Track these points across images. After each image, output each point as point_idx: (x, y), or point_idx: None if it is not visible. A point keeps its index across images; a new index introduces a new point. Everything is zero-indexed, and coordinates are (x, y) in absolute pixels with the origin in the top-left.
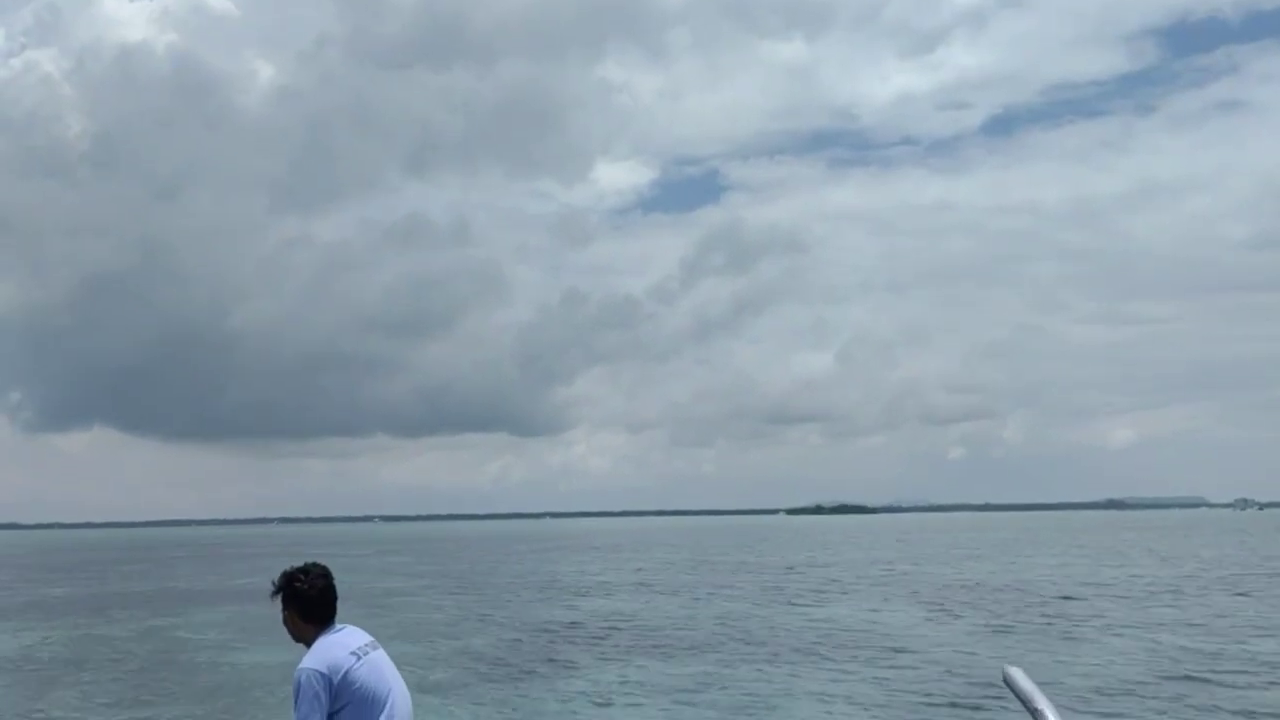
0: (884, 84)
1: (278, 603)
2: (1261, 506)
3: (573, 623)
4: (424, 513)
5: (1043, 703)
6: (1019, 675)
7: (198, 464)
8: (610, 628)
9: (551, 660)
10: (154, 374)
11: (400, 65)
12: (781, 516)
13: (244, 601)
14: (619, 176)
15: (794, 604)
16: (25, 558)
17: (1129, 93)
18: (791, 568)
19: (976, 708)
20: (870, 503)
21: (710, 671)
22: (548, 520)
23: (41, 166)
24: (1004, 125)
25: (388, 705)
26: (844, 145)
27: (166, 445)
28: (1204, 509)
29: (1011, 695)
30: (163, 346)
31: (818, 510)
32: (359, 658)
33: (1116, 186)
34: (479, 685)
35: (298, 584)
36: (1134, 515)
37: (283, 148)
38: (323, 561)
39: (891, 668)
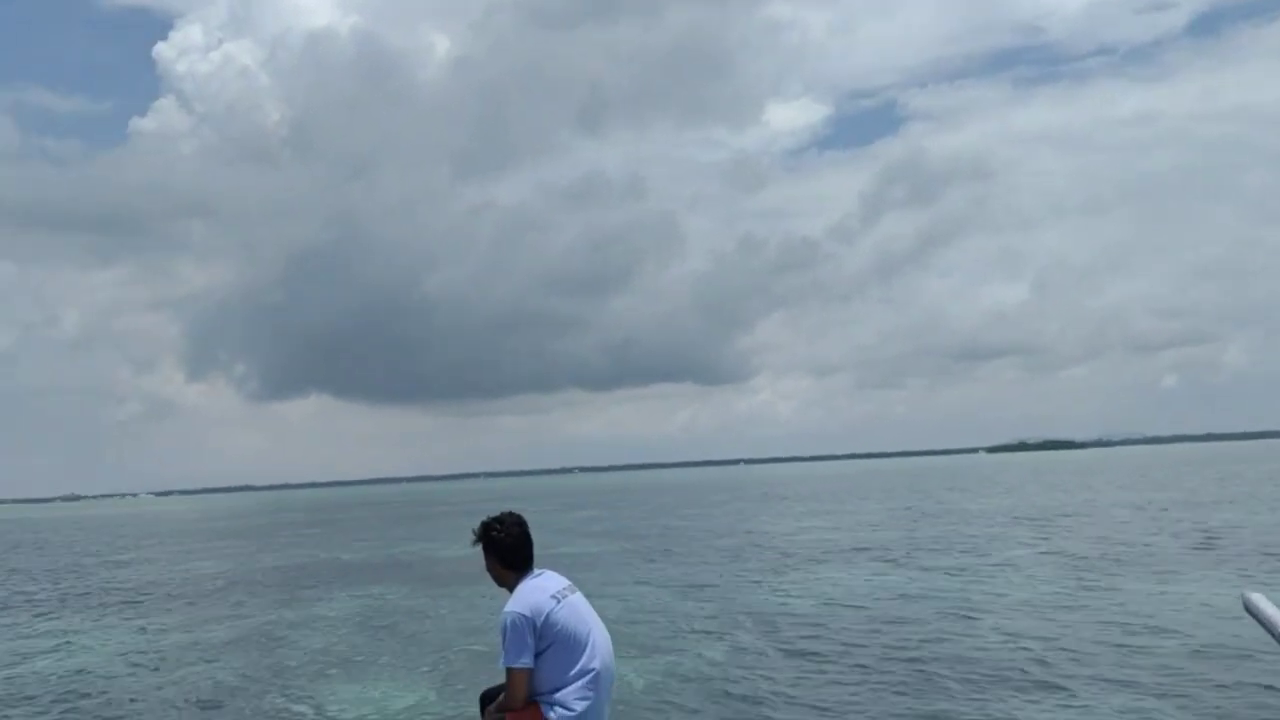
0: None
1: (479, 551)
2: None
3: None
4: (619, 463)
5: None
6: (1262, 601)
7: (404, 424)
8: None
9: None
10: (359, 342)
11: (568, 24)
12: (981, 455)
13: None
14: (791, 116)
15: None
16: (283, 515)
17: None
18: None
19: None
20: (1078, 437)
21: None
22: (741, 466)
23: (245, 154)
24: (1211, 23)
25: (589, 645)
26: (1030, 62)
27: (375, 408)
28: None
29: (1253, 620)
30: (365, 316)
31: (1021, 447)
32: (559, 600)
33: None
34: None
35: (494, 532)
36: None
37: (461, 117)
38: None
39: None
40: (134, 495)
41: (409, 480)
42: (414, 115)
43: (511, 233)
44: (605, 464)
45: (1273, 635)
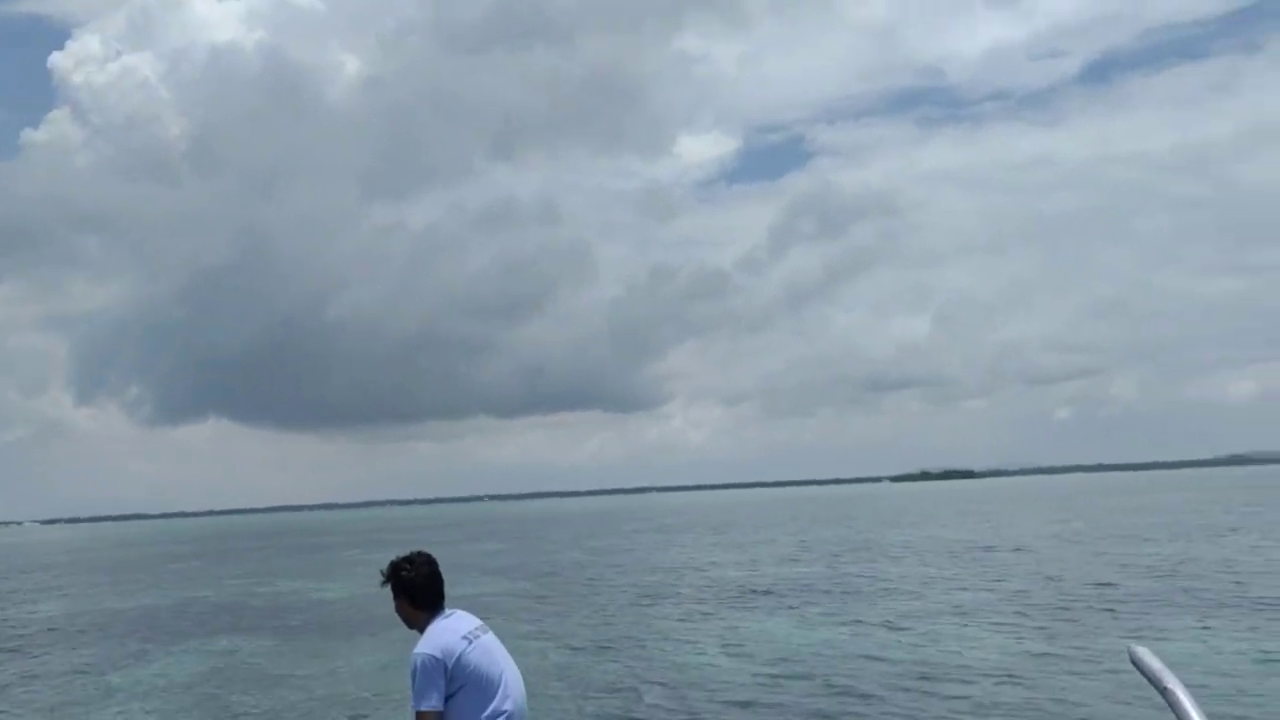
0: (972, 37)
1: (388, 592)
2: None
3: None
4: (529, 490)
5: (1172, 681)
6: (1145, 654)
7: (309, 450)
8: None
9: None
10: (262, 365)
11: (480, 49)
12: (886, 484)
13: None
14: (702, 148)
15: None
16: (174, 546)
17: (1234, 31)
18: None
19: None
20: (976, 467)
21: None
22: (652, 495)
23: (144, 168)
24: (1102, 72)
25: (501, 687)
26: (933, 103)
27: (278, 434)
28: None
29: (1139, 674)
30: (269, 337)
31: (924, 476)
32: (470, 641)
33: (1226, 131)
34: None
35: (404, 572)
36: (1260, 470)
37: (371, 137)
38: (422, 549)
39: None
40: (18, 524)
41: (313, 508)
42: (322, 133)
43: (422, 255)
44: (516, 491)
45: (1156, 688)
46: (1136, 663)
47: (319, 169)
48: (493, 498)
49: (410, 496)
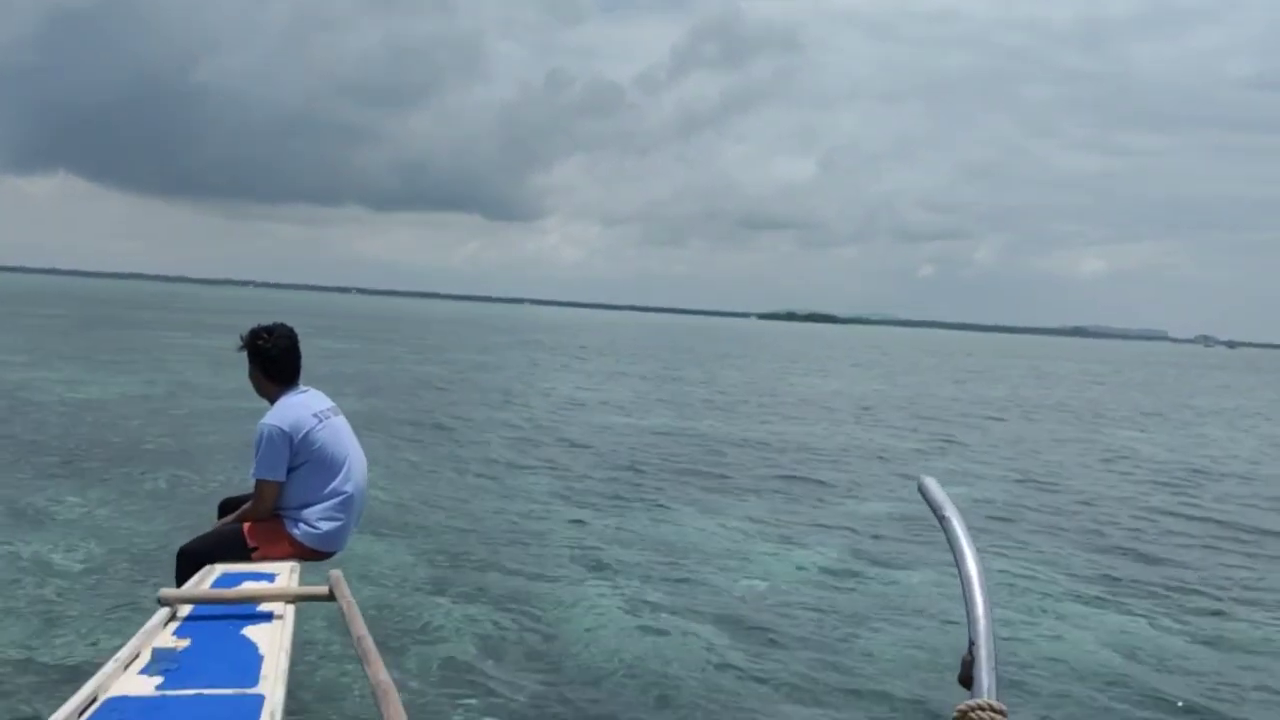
0: None
1: (244, 358)
2: (1232, 345)
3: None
4: (399, 289)
5: (950, 511)
6: (932, 485)
7: (165, 219)
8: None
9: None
10: (120, 122)
11: None
12: (753, 320)
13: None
14: None
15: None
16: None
17: None
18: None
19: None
20: (839, 313)
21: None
22: (527, 306)
23: None
24: None
25: (344, 468)
26: None
27: (133, 197)
28: (1165, 343)
29: (924, 503)
30: (129, 93)
31: (790, 317)
32: (320, 420)
33: (1126, 9)
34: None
35: (261, 342)
36: (1097, 344)
37: None
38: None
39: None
40: None
41: (166, 279)
42: None
43: (304, 27)
44: (385, 288)
45: (936, 515)
46: (922, 491)
47: None
48: (361, 291)
49: (273, 280)
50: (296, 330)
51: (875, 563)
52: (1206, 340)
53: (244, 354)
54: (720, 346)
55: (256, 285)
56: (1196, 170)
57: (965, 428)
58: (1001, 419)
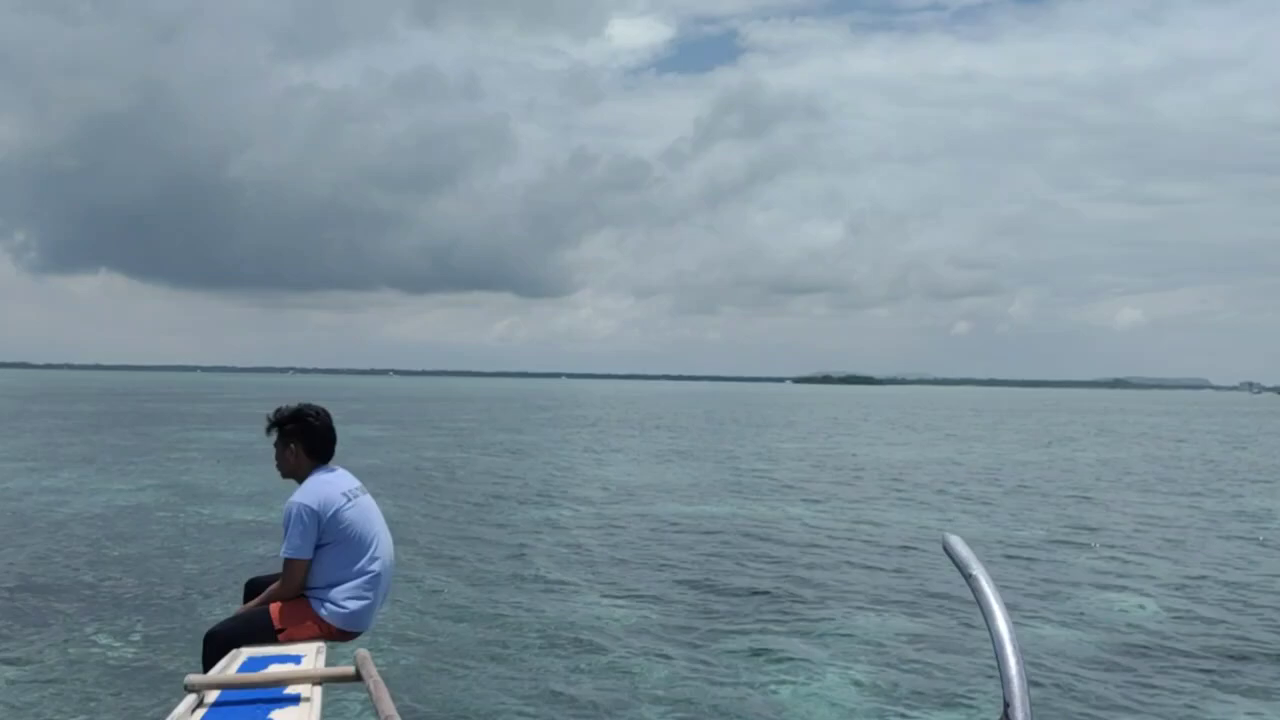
0: None
1: (273, 437)
2: (1278, 391)
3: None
4: (433, 368)
5: (977, 569)
6: (957, 542)
7: (203, 311)
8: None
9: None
10: (158, 220)
11: None
12: (788, 385)
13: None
14: (635, 34)
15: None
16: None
17: None
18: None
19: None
20: (876, 374)
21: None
22: (563, 380)
23: (40, 3)
24: None
25: (372, 548)
26: (868, 8)
27: (172, 292)
28: (1208, 391)
29: (949, 561)
30: (166, 192)
31: (825, 380)
32: (349, 499)
33: (1147, 61)
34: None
35: (310, 419)
36: (1140, 395)
37: None
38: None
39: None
40: None
41: (208, 370)
42: None
43: (333, 119)
44: (421, 368)
45: (963, 574)
46: (948, 550)
47: (230, 19)
48: (398, 372)
49: (312, 365)
50: (333, 415)
51: None
52: (1252, 387)
53: (273, 436)
54: (764, 413)
55: (296, 371)
56: (1229, 216)
57: (1105, 507)
58: (1122, 486)
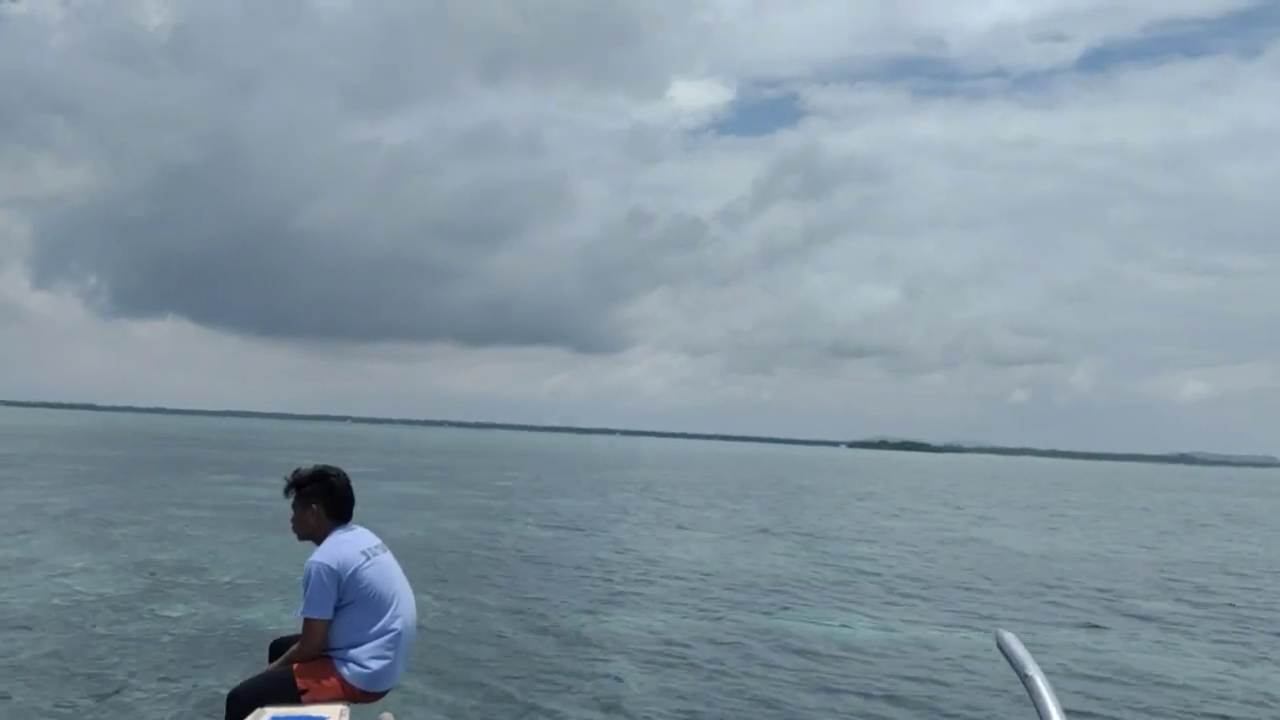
0: (980, 10)
1: (291, 498)
2: None
3: None
4: (487, 420)
5: (1034, 669)
6: (1012, 640)
7: (265, 358)
8: None
9: None
10: (224, 268)
11: None
12: (842, 449)
13: None
14: (695, 95)
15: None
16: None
17: (1235, 32)
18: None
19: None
20: (933, 441)
21: None
22: (617, 437)
23: (120, 55)
24: (1101, 60)
25: (393, 606)
26: (929, 74)
27: (236, 338)
28: (1277, 469)
29: (1004, 659)
30: (233, 241)
31: (881, 445)
32: (368, 558)
33: (1212, 131)
34: None
35: (332, 478)
36: (1207, 471)
37: (358, 49)
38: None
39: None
40: None
41: (266, 416)
42: (308, 41)
43: (396, 173)
44: (476, 420)
45: (1019, 675)
46: (1002, 648)
47: (301, 76)
48: (453, 424)
49: (368, 415)
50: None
51: None
52: None
53: (290, 498)
54: (832, 480)
55: (353, 420)
56: None
57: None
58: None
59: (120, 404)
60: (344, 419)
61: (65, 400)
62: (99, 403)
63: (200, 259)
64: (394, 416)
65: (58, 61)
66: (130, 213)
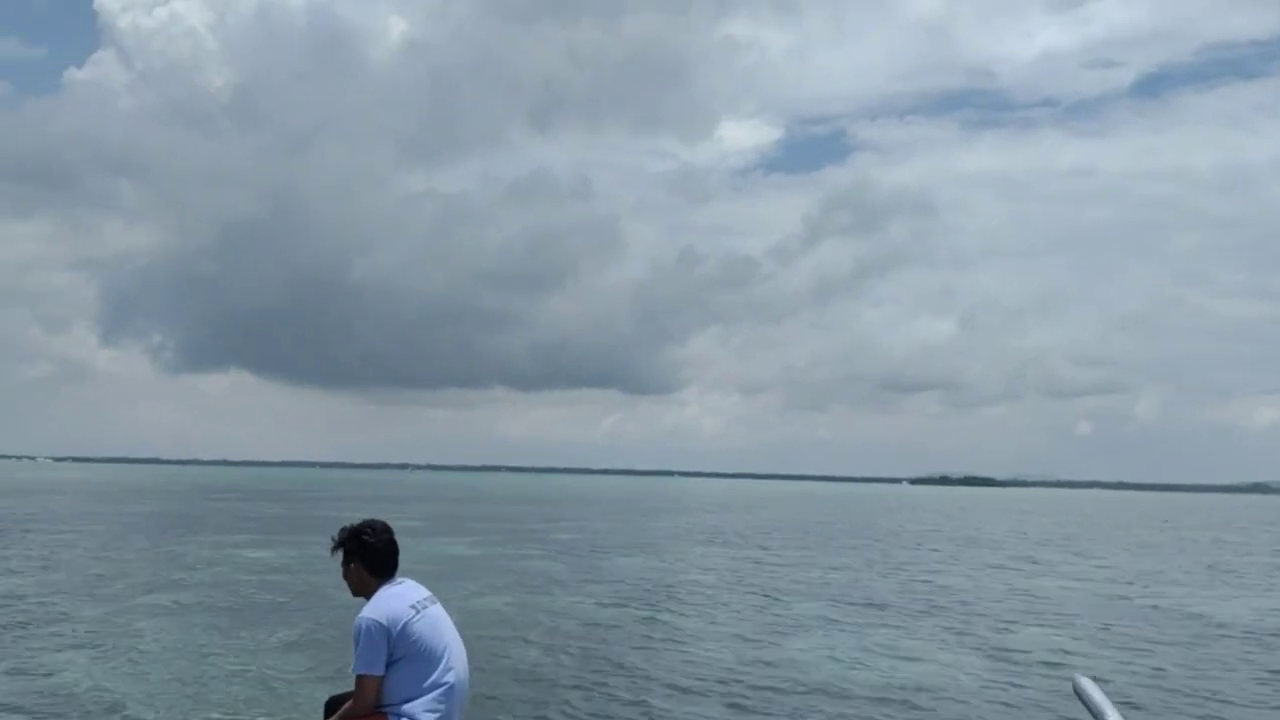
0: (1027, 40)
1: (338, 557)
2: None
3: None
4: (544, 464)
5: (1112, 715)
6: (1089, 685)
7: (324, 408)
8: None
9: None
10: (284, 321)
11: (527, 18)
12: (905, 486)
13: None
14: (743, 135)
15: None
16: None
17: None
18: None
19: None
20: (996, 475)
21: None
22: (675, 479)
23: (183, 117)
24: (1154, 86)
25: (444, 659)
26: (978, 106)
27: (295, 390)
28: None
29: (1081, 705)
30: (293, 295)
31: (944, 481)
32: (418, 611)
33: (1270, 153)
34: None
35: (366, 537)
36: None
37: (410, 102)
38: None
39: None
40: (31, 458)
41: (325, 465)
42: (362, 95)
43: (449, 223)
44: (531, 465)
45: None
46: (1079, 693)
47: (356, 131)
48: (510, 469)
49: (427, 461)
50: (408, 529)
51: None
52: None
53: (338, 555)
54: (906, 520)
55: (414, 468)
56: None
57: None
58: None
59: (185, 457)
60: (404, 466)
61: (132, 455)
62: (164, 456)
63: (261, 312)
64: (452, 463)
65: (123, 125)
66: (193, 270)
